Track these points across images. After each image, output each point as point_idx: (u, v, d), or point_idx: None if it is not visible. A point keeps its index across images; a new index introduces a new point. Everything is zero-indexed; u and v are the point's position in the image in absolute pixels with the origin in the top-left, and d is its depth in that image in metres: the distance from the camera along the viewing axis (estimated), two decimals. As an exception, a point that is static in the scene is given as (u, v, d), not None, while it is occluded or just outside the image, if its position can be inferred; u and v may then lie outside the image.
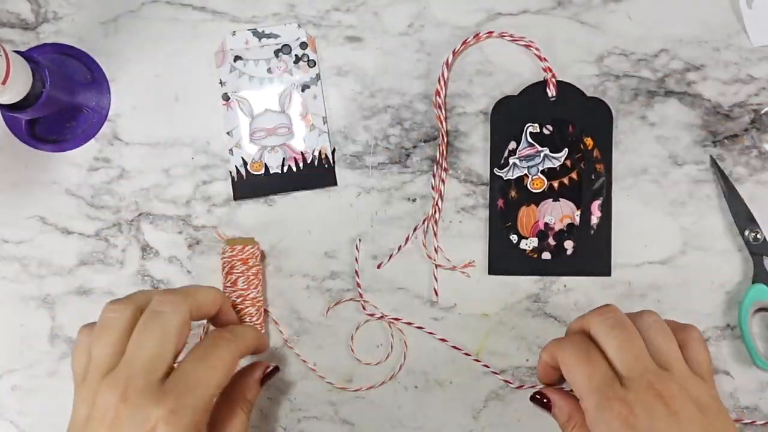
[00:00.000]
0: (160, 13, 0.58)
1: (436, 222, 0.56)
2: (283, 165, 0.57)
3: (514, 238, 0.56)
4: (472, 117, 0.57)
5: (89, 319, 0.57)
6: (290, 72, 0.57)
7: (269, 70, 0.57)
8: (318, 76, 0.57)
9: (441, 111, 0.56)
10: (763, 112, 0.56)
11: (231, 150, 0.57)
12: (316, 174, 0.57)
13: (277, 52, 0.57)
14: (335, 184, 0.57)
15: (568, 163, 0.56)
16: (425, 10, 0.57)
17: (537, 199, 0.56)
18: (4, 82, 0.47)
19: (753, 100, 0.56)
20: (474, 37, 0.56)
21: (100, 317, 0.44)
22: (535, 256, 0.56)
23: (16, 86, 0.48)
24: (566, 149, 0.56)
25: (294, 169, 0.57)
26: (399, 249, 0.56)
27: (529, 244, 0.56)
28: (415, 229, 0.56)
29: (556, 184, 0.56)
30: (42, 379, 0.57)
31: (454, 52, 0.56)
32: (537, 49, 0.56)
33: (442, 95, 0.56)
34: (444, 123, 0.56)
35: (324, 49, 0.57)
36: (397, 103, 0.57)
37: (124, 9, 0.58)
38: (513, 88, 0.57)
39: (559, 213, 0.56)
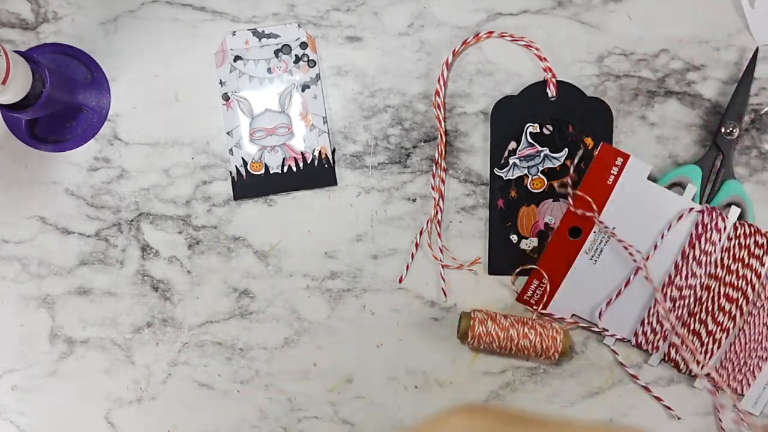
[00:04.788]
0: (160, 13, 0.58)
1: (439, 222, 0.56)
2: (283, 165, 0.57)
3: (514, 238, 0.56)
4: (472, 117, 0.57)
5: (89, 319, 0.57)
6: (290, 72, 0.57)
7: (269, 70, 0.57)
8: (318, 76, 0.57)
9: (440, 111, 0.56)
10: (763, 112, 0.56)
11: (231, 150, 0.57)
12: (316, 174, 0.57)
13: (277, 52, 0.57)
14: (335, 184, 0.57)
15: (568, 163, 0.56)
16: (425, 10, 0.57)
17: (537, 199, 0.56)
18: (4, 82, 0.47)
19: (753, 100, 0.56)
20: (474, 37, 0.56)
21: None
22: (535, 256, 0.56)
23: (16, 86, 0.48)
24: (566, 149, 0.56)
25: (294, 169, 0.57)
26: (412, 257, 0.56)
27: (529, 244, 0.56)
28: (421, 233, 0.56)
29: (556, 184, 0.56)
30: (42, 379, 0.57)
31: (454, 52, 0.56)
32: (537, 49, 0.56)
33: (441, 95, 0.56)
34: (443, 123, 0.56)
35: (324, 49, 0.57)
36: (397, 103, 0.57)
37: (124, 9, 0.58)
38: (513, 88, 0.57)
39: (559, 213, 0.56)
